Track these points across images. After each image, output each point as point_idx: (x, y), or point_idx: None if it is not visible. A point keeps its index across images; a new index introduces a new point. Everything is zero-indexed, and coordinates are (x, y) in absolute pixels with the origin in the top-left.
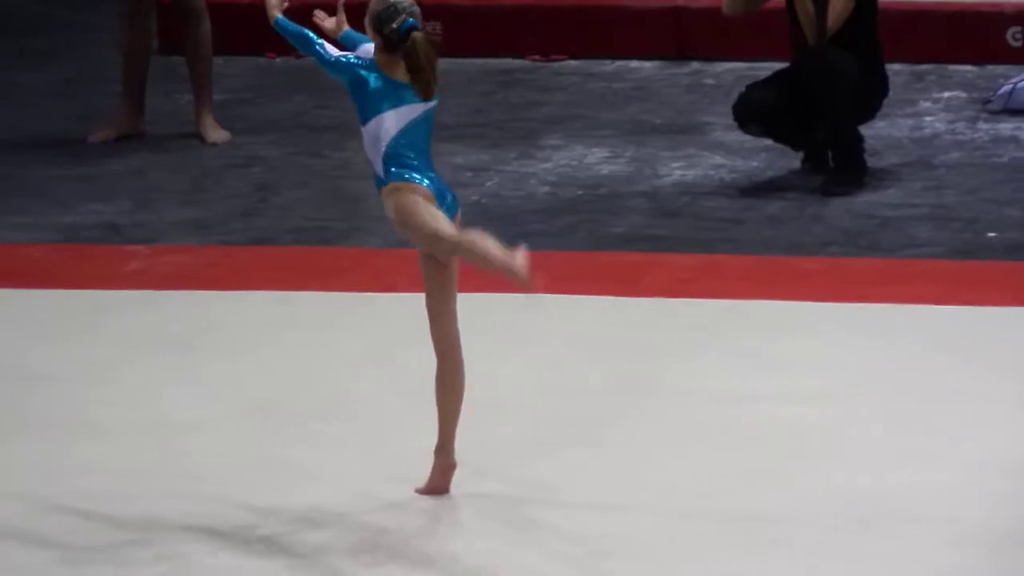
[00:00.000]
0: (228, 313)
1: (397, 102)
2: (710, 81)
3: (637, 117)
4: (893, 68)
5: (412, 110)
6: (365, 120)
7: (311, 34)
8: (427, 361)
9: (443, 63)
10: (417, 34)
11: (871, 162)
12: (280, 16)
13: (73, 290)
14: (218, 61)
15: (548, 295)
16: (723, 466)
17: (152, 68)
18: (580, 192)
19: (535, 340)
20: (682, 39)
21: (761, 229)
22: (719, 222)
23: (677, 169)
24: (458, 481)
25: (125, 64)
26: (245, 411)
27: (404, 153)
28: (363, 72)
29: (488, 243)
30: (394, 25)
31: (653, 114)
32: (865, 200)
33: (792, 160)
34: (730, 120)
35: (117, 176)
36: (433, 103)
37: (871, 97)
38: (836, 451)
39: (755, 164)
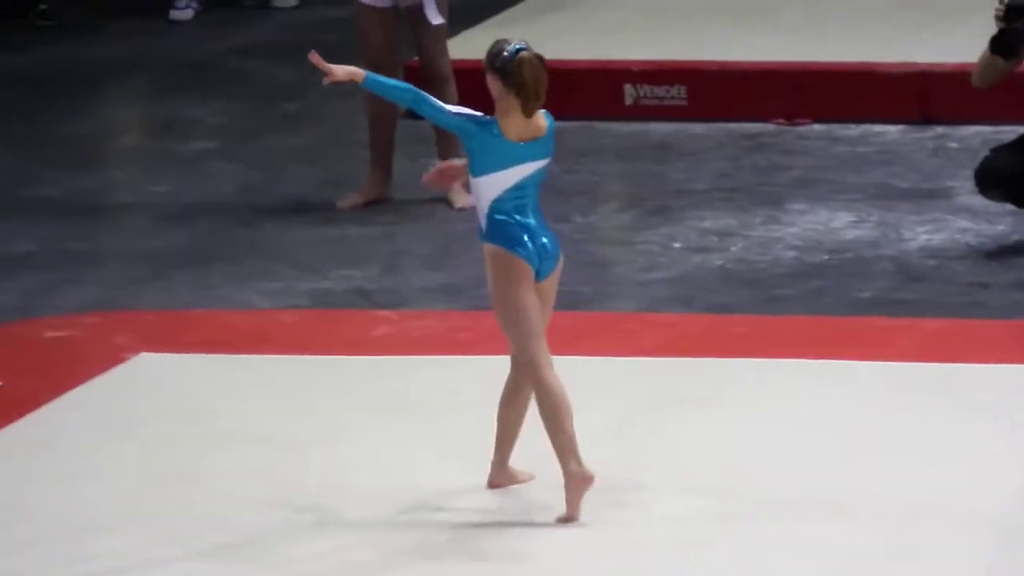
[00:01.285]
0: (476, 378)
1: (512, 162)
2: (955, 145)
3: (882, 181)
4: None
5: (523, 169)
6: (477, 174)
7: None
8: (683, 428)
9: (691, 127)
10: (524, 53)
11: None
12: (367, 72)
13: (323, 356)
14: None
15: (797, 360)
16: (951, 527)
17: (399, 133)
18: (826, 256)
19: (781, 403)
20: (927, 102)
21: (1009, 293)
22: (966, 286)
23: (923, 233)
24: (712, 535)
25: (372, 129)
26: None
27: (511, 213)
28: (480, 128)
29: (567, 420)
30: (505, 54)
31: (898, 178)
32: None
33: None
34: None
35: (365, 241)
36: (546, 160)
37: None
38: None
39: (1001, 228)
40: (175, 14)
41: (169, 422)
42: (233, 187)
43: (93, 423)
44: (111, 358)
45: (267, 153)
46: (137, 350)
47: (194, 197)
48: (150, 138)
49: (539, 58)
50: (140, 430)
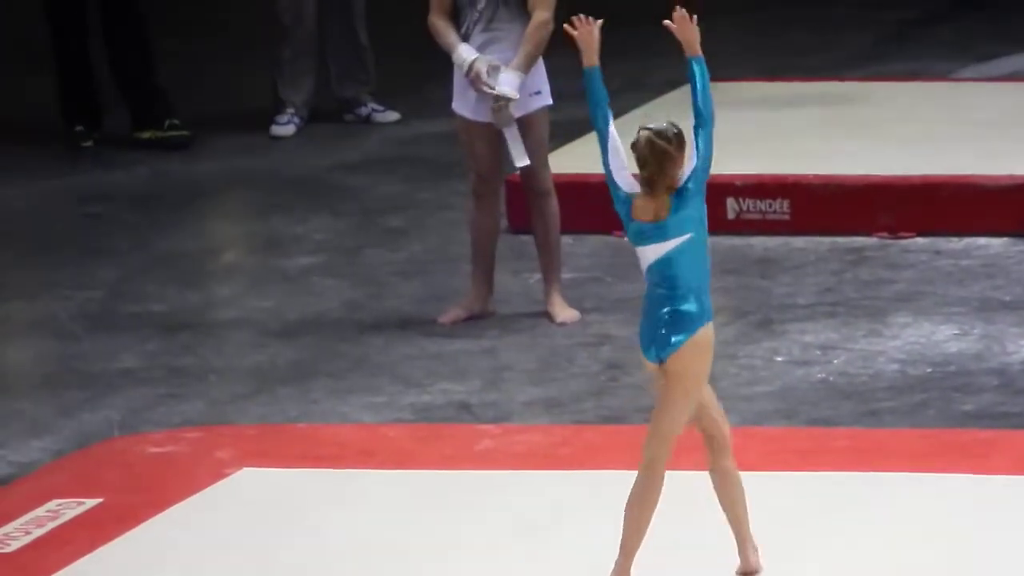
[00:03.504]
0: (580, 493)
1: (641, 240)
2: None
3: (986, 294)
4: None
5: (657, 249)
6: None
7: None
8: (786, 544)
9: (794, 241)
10: (643, 133)
11: None
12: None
13: (426, 470)
14: (566, 240)
15: (901, 473)
16: None
17: (500, 247)
18: (929, 369)
19: (885, 517)
20: None
21: None
22: None
23: None
24: None
25: (474, 244)
26: None
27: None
28: (619, 204)
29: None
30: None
31: (1002, 291)
32: None
33: None
34: None
35: (468, 356)
36: (682, 237)
37: None
38: None
39: None
40: (276, 129)
41: (272, 537)
42: (336, 303)
43: (196, 539)
44: (213, 473)
45: (370, 268)
46: (239, 465)
47: (297, 313)
48: (254, 254)
49: (650, 139)
50: (243, 546)
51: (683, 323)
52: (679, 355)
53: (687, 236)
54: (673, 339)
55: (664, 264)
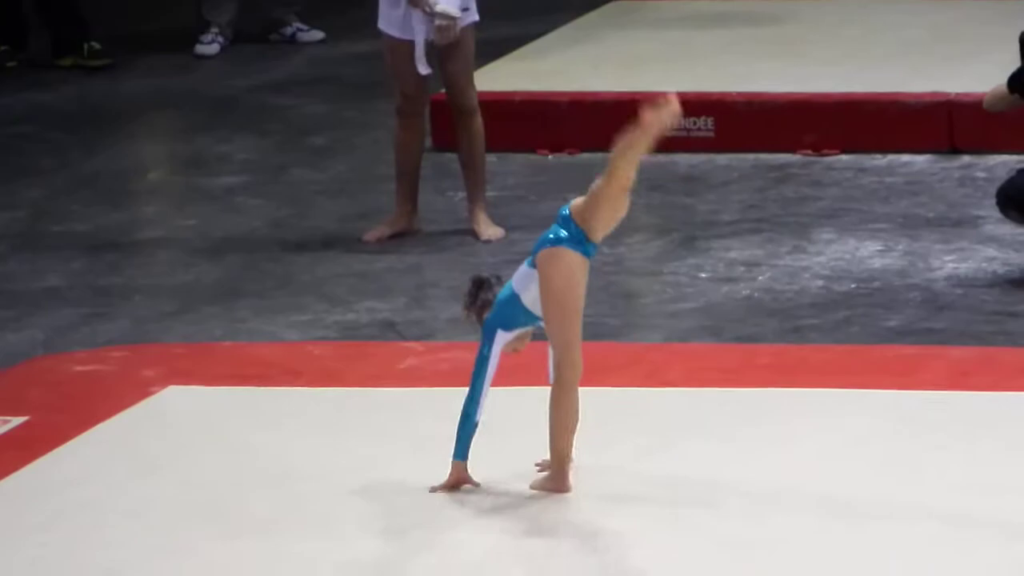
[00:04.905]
0: (504, 409)
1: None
2: (982, 174)
3: (909, 211)
4: None
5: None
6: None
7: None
8: (710, 459)
9: (719, 159)
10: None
11: None
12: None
13: (350, 388)
14: (491, 158)
15: (825, 389)
16: (983, 558)
17: (425, 165)
18: (853, 286)
19: (809, 433)
20: (954, 132)
21: None
22: (993, 315)
23: (950, 262)
24: (739, 565)
25: (398, 162)
26: (510, 508)
27: None
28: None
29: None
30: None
31: (925, 208)
32: None
33: None
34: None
35: (392, 274)
36: None
37: None
38: None
39: None
40: (201, 48)
41: (198, 455)
42: (261, 221)
43: (121, 457)
44: (139, 392)
45: (295, 187)
46: (165, 383)
47: (223, 232)
48: (179, 174)
49: None
50: (169, 464)
51: None
52: None
53: None
54: None
55: None
